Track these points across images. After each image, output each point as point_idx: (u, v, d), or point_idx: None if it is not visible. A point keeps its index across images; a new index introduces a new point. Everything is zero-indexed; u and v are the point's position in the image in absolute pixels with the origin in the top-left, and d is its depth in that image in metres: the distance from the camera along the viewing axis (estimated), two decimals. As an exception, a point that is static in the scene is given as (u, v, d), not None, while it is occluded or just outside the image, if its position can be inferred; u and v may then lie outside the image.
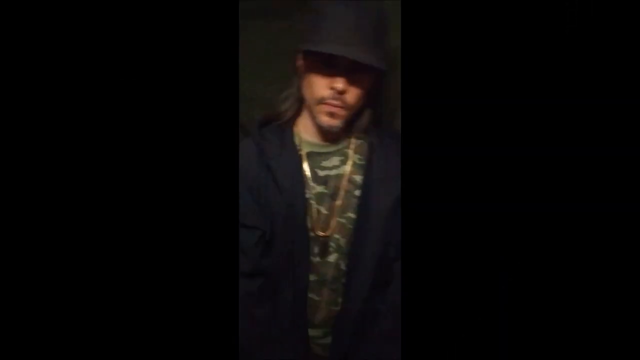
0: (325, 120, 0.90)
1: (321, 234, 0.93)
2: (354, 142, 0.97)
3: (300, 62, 0.92)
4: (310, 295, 0.94)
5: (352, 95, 0.89)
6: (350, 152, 0.96)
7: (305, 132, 0.97)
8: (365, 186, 0.93)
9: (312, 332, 0.95)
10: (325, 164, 0.95)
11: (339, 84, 0.86)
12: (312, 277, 0.93)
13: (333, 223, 0.93)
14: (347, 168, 0.95)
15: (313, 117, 0.93)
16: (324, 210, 0.93)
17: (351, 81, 0.87)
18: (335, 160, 0.96)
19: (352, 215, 0.93)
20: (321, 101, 0.89)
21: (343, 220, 0.93)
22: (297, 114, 0.97)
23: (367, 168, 0.95)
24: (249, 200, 0.93)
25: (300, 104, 0.96)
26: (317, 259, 0.93)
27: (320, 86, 0.88)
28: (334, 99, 0.88)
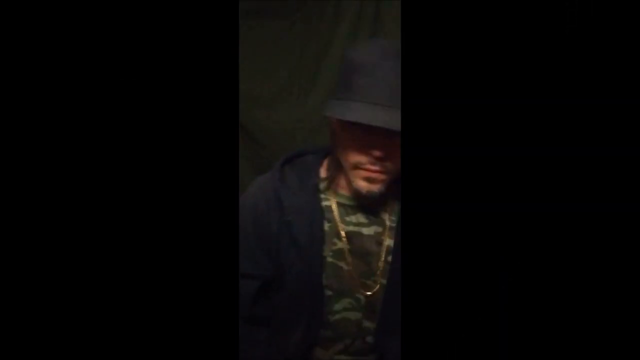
0: (363, 185, 0.81)
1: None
2: (387, 200, 0.87)
3: (333, 124, 0.83)
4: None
5: (393, 159, 0.79)
6: (381, 210, 0.87)
7: (340, 188, 0.88)
8: (396, 246, 0.85)
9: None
10: (350, 218, 0.87)
11: (377, 151, 0.77)
12: (327, 334, 0.87)
13: (360, 284, 0.85)
14: (376, 228, 0.87)
15: (348, 181, 0.84)
16: (345, 266, 0.85)
17: (392, 145, 0.77)
18: (361, 217, 0.87)
19: (383, 281, 0.86)
20: (357, 166, 0.80)
21: (376, 285, 0.85)
22: (331, 176, 0.88)
23: (396, 227, 0.86)
24: (252, 247, 0.86)
25: (335, 167, 0.86)
26: (335, 317, 0.87)
27: (356, 151, 0.79)
28: (372, 164, 0.79)
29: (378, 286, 0.86)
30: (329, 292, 0.85)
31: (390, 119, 0.72)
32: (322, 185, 0.87)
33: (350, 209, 0.87)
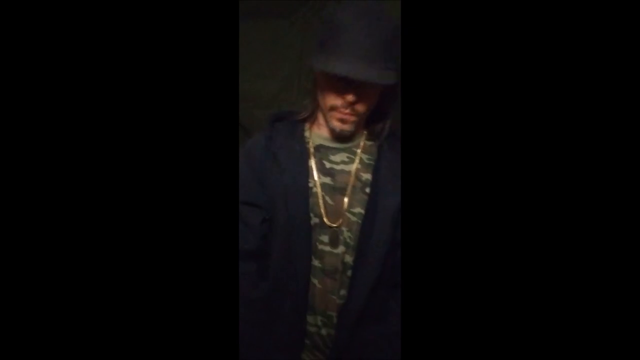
0: (337, 125, 0.96)
1: (331, 224, 0.96)
2: (363, 143, 1.01)
3: (316, 74, 0.97)
4: (313, 280, 0.96)
5: (363, 105, 0.94)
6: (359, 151, 1.00)
7: (317, 129, 1.02)
8: (373, 185, 0.97)
9: (311, 319, 0.97)
10: (332, 158, 0.99)
11: (350, 97, 0.91)
12: (316, 263, 0.96)
13: (342, 216, 0.96)
14: (355, 165, 0.99)
15: (326, 121, 0.98)
16: (330, 201, 0.96)
17: (362, 94, 0.92)
18: (342, 156, 1.00)
19: (360, 211, 0.96)
20: (333, 109, 0.95)
21: (351, 216, 0.96)
22: (311, 114, 1.02)
23: (375, 167, 0.99)
24: (252, 181, 0.98)
25: (315, 107, 1.01)
26: (325, 248, 0.96)
27: (332, 96, 0.93)
28: (344, 107, 0.93)
29: (355, 217, 0.96)
30: (315, 220, 0.96)
31: (364, 71, 0.87)
32: (307, 132, 1.02)
33: (333, 149, 1.00)
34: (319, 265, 0.96)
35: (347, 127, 0.96)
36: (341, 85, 0.91)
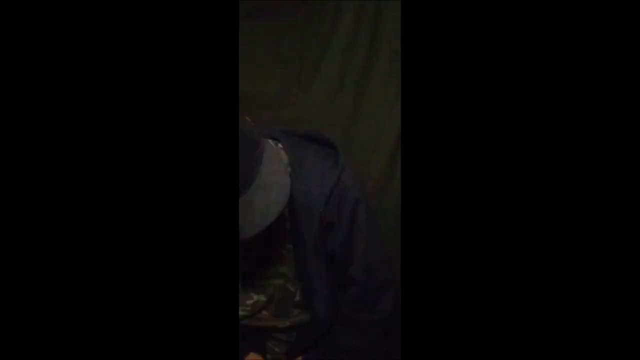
0: None
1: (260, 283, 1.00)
2: None
3: None
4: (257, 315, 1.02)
5: None
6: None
7: None
8: (291, 215, 0.96)
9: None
10: None
11: None
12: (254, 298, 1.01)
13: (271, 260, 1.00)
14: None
15: None
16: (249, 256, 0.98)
17: None
18: None
19: (289, 245, 0.98)
20: None
21: (281, 250, 0.99)
22: None
23: (290, 197, 0.94)
24: None
25: None
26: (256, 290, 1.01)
27: None
28: None
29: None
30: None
31: None
32: None
33: None
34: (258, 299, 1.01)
35: None
36: None
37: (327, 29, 1.29)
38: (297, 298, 1.01)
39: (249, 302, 1.01)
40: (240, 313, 1.00)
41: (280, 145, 1.00)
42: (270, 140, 0.97)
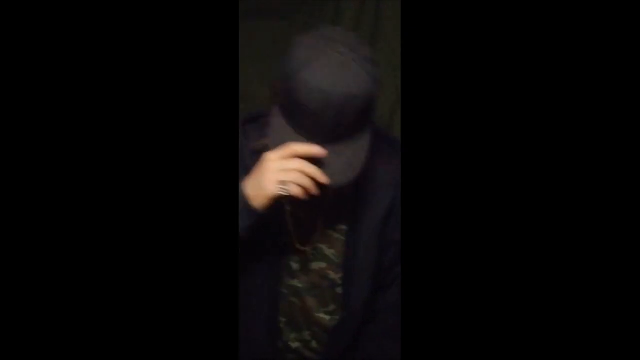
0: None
1: (300, 247, 0.90)
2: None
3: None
4: (293, 299, 0.93)
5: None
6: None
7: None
8: (356, 196, 0.90)
9: (296, 335, 0.95)
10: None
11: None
12: (293, 283, 0.93)
13: (317, 233, 0.90)
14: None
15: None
16: (302, 216, 0.90)
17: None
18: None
19: (342, 227, 0.91)
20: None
21: (330, 231, 0.91)
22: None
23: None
24: None
25: None
26: (296, 266, 0.92)
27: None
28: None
29: (338, 234, 0.92)
30: (285, 239, 0.89)
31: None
32: None
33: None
34: (298, 285, 0.93)
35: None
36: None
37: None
38: (339, 290, 0.94)
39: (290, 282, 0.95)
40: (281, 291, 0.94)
41: None
42: None
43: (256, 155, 0.84)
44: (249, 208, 0.78)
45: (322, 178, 0.75)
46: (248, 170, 0.84)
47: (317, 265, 0.92)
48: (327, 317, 0.94)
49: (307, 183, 0.75)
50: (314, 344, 0.96)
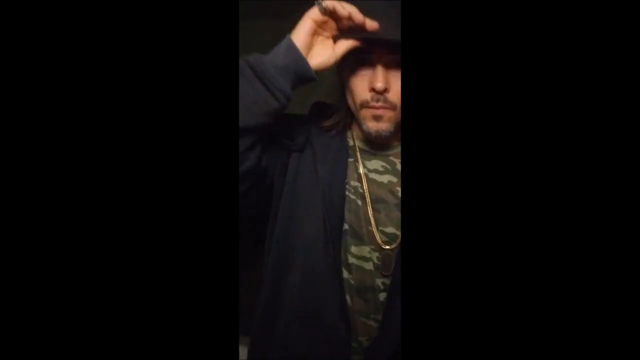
0: (372, 125, 0.85)
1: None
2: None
3: (340, 71, 0.88)
4: (346, 297, 0.86)
5: (396, 91, 0.83)
6: (398, 161, 0.90)
7: (356, 129, 0.92)
8: None
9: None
10: (367, 164, 0.90)
11: (379, 82, 0.81)
12: (346, 276, 0.87)
13: (373, 232, 0.87)
14: (390, 177, 0.89)
15: (360, 126, 0.87)
16: (359, 212, 0.87)
17: (392, 77, 0.83)
18: (377, 164, 0.90)
19: (395, 231, 0.87)
20: (364, 105, 0.84)
21: (381, 235, 0.87)
22: (341, 121, 0.92)
23: None
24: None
25: (348, 116, 0.91)
26: (354, 261, 0.87)
27: (360, 90, 0.84)
28: (377, 100, 0.83)
29: (387, 238, 0.86)
30: (346, 226, 0.86)
31: (384, 31, 0.78)
32: (350, 140, 0.91)
33: (368, 153, 0.91)
34: (349, 279, 0.86)
35: (383, 127, 0.84)
36: (367, 69, 0.82)
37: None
38: (381, 298, 0.86)
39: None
40: None
41: None
42: None
43: (322, 143, 0.88)
44: (290, 45, 0.81)
45: (367, 22, 0.78)
46: (315, 154, 0.87)
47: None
48: (374, 325, 0.86)
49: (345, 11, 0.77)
50: (367, 265, 0.87)
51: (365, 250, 0.87)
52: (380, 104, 0.83)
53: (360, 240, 0.87)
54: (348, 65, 0.85)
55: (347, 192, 0.88)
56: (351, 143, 0.92)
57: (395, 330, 0.83)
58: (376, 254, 0.87)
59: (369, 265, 0.87)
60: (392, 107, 0.84)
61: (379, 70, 0.82)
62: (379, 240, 0.87)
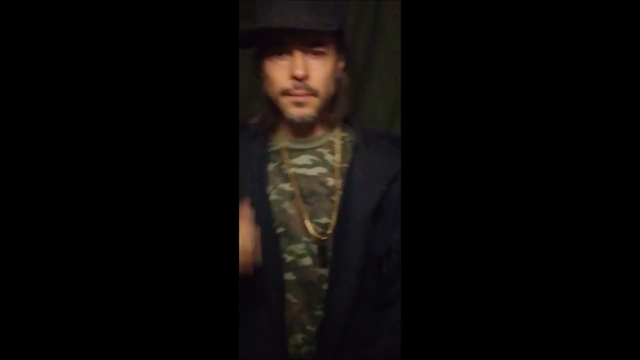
0: (295, 111, 0.86)
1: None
2: (332, 142, 0.93)
3: (256, 60, 0.89)
4: (288, 296, 0.89)
5: (316, 79, 0.85)
6: (326, 152, 0.92)
7: (283, 130, 0.93)
8: (345, 190, 0.89)
9: (289, 338, 0.90)
10: (295, 161, 0.91)
11: (298, 69, 0.83)
12: (288, 277, 0.89)
13: (306, 225, 0.89)
14: (320, 170, 0.91)
15: (283, 114, 0.88)
16: (289, 210, 0.89)
17: (311, 64, 0.84)
18: (305, 159, 0.92)
19: (327, 220, 0.89)
20: (284, 93, 0.85)
21: (315, 226, 0.89)
22: (266, 117, 0.92)
23: (348, 170, 0.90)
24: None
25: (272, 106, 0.90)
26: (291, 258, 0.90)
27: (279, 78, 0.85)
28: (297, 88, 0.84)
29: (321, 228, 0.89)
30: (279, 230, 0.89)
31: (300, 21, 0.79)
32: (271, 134, 0.93)
33: (296, 151, 0.92)
34: (292, 277, 0.89)
35: (307, 112, 0.85)
36: (286, 57, 0.83)
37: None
38: (324, 288, 0.89)
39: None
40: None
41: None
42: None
43: (244, 154, 0.88)
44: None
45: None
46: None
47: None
48: (317, 314, 0.89)
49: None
50: (304, 349, 0.90)
51: (301, 247, 0.90)
52: (301, 91, 0.84)
53: (295, 239, 0.90)
54: (266, 56, 0.86)
55: (273, 197, 0.90)
56: (276, 147, 0.93)
57: (339, 315, 0.87)
58: (314, 247, 0.89)
59: (307, 261, 0.89)
60: (314, 93, 0.85)
61: (298, 58, 0.83)
62: (314, 233, 0.89)
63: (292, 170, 0.91)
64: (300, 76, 0.83)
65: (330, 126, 0.93)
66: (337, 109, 0.91)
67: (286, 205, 0.90)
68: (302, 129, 0.91)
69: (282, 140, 0.93)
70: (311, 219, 0.89)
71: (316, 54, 0.85)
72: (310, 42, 0.84)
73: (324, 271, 0.89)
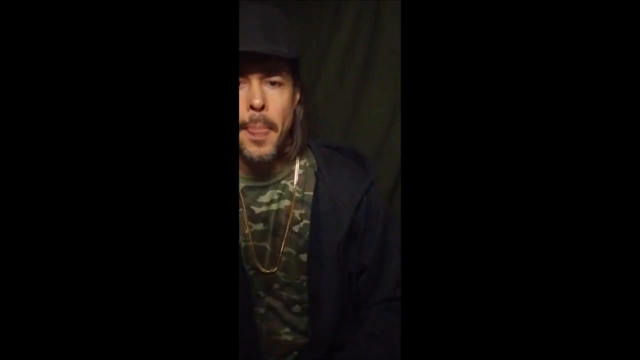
0: (254, 150, 0.84)
1: (265, 271, 0.91)
2: (293, 173, 0.92)
3: None
4: (260, 326, 0.94)
5: (273, 110, 0.83)
6: (289, 184, 0.92)
7: (243, 179, 0.91)
8: (313, 221, 0.90)
9: None
10: (261, 199, 0.91)
11: (256, 98, 0.81)
12: (260, 310, 0.93)
13: (278, 259, 0.91)
14: (286, 203, 0.91)
15: (242, 152, 0.85)
16: (268, 247, 0.91)
17: (269, 94, 0.83)
18: (272, 195, 0.91)
19: (292, 251, 0.91)
20: (243, 127, 0.83)
21: (285, 258, 0.91)
22: None
23: (313, 200, 0.90)
24: None
25: None
26: (262, 293, 0.93)
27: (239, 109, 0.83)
28: (255, 121, 0.82)
29: (287, 258, 0.91)
30: (251, 272, 0.90)
31: (254, 45, 0.79)
32: None
33: (259, 189, 0.91)
34: (262, 311, 0.93)
35: (266, 151, 0.84)
36: (243, 86, 0.82)
37: (327, 29, 1.29)
38: (297, 309, 0.93)
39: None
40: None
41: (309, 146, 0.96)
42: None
43: None
44: None
45: None
46: None
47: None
48: (290, 338, 0.94)
49: None
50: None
51: (273, 285, 0.93)
52: (259, 125, 0.82)
53: (265, 279, 0.92)
54: None
55: (242, 243, 0.90)
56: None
57: (323, 340, 0.92)
58: (281, 282, 0.92)
59: (277, 304, 0.93)
60: (273, 127, 0.84)
61: (255, 86, 0.82)
62: (280, 261, 0.91)
63: (262, 209, 0.91)
64: (258, 106, 0.81)
65: (287, 160, 0.92)
66: (294, 143, 0.90)
67: (262, 244, 0.91)
68: (261, 166, 0.89)
69: (243, 180, 0.91)
70: (282, 252, 0.91)
71: (273, 83, 0.83)
72: (266, 69, 0.82)
73: (292, 295, 0.92)
